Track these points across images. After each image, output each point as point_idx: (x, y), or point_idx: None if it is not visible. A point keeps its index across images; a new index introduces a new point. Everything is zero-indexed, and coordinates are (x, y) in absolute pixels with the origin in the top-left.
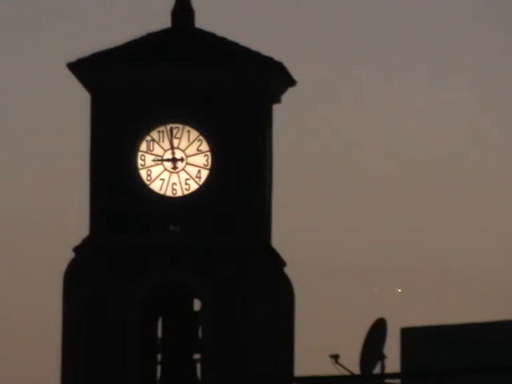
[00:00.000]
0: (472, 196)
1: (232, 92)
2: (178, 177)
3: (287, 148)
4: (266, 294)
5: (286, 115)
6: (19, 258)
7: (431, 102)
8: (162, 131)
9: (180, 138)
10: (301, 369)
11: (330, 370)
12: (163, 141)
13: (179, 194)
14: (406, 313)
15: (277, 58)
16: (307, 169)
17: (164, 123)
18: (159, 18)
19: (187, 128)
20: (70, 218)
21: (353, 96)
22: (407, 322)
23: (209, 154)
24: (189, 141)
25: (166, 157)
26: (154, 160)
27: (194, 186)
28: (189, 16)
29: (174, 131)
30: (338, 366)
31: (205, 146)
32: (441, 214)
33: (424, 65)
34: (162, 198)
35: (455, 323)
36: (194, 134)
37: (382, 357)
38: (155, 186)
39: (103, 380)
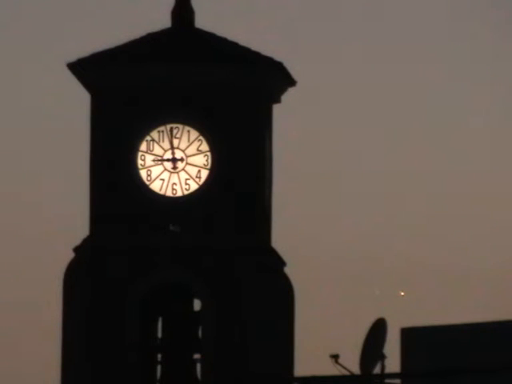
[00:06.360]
0: (472, 196)
1: (232, 92)
2: (178, 177)
3: (287, 148)
4: (266, 293)
5: (286, 115)
6: (19, 258)
7: (432, 100)
8: (162, 131)
9: (180, 138)
10: (301, 369)
11: (330, 370)
12: (163, 141)
13: (179, 194)
14: (406, 313)
15: (277, 58)
16: (307, 169)
17: (164, 123)
18: (159, 18)
19: (187, 128)
20: (70, 218)
21: (353, 96)
22: (407, 322)
23: (209, 154)
24: (189, 141)
25: (165, 157)
26: (153, 160)
27: (194, 186)
28: (189, 16)
29: (174, 131)
30: (338, 366)
31: (205, 146)
32: (441, 215)
33: (424, 64)
34: (162, 198)
35: (455, 323)
36: (194, 133)
37: (382, 357)
38: (155, 186)
39: (103, 380)
